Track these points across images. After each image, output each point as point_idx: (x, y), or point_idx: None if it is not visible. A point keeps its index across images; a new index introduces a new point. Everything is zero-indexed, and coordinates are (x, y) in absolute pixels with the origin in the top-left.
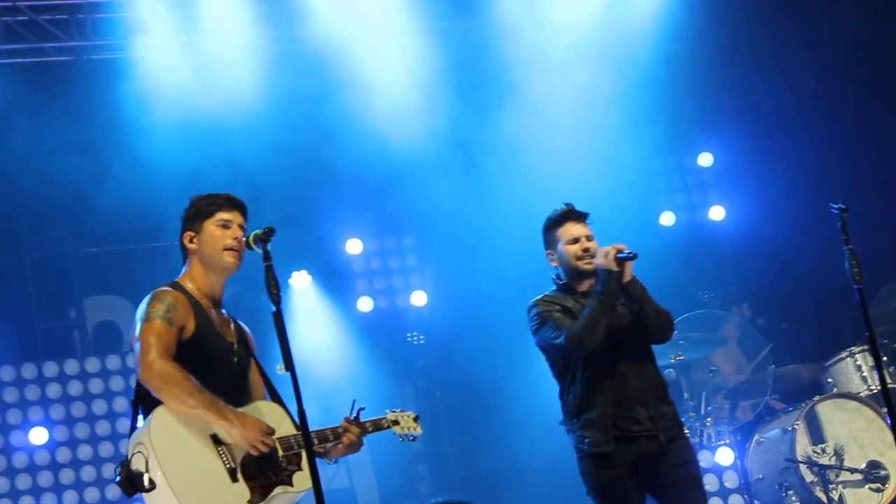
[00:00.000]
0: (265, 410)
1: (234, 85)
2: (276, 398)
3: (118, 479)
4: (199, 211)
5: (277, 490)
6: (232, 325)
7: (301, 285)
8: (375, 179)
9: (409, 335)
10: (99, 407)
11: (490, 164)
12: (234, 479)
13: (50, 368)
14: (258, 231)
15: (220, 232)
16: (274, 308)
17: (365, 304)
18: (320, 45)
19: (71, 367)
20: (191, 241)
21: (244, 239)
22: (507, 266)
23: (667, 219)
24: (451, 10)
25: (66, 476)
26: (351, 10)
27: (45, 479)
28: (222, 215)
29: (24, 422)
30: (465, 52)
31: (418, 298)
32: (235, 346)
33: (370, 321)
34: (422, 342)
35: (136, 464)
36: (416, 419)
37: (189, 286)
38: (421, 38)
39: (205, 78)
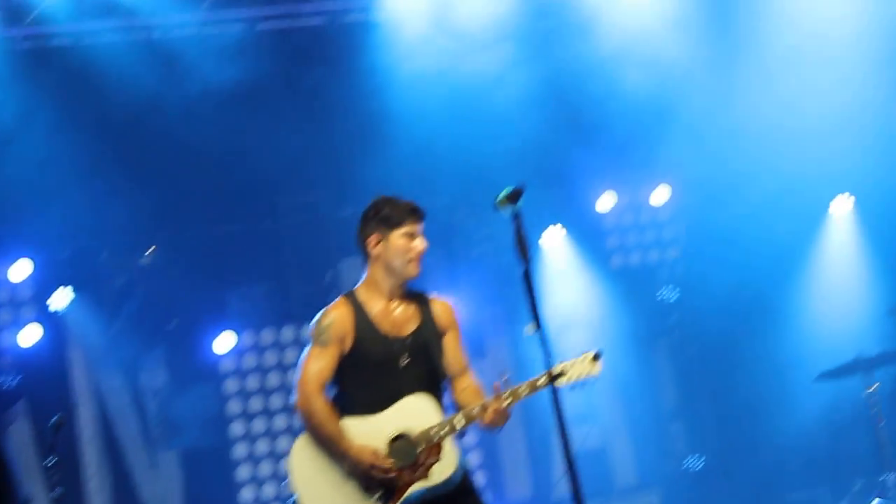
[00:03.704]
0: (410, 408)
1: (484, 41)
2: (434, 380)
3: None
4: (386, 219)
5: (416, 486)
6: (414, 312)
7: (553, 243)
8: (625, 131)
9: (661, 291)
10: None
11: (749, 116)
12: (368, 491)
13: (308, 331)
14: (508, 190)
15: (405, 243)
16: (524, 267)
17: (617, 261)
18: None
19: None
20: (376, 244)
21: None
22: (765, 220)
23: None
24: None
25: None
26: None
27: None
28: (408, 227)
29: (284, 385)
30: None
31: (671, 253)
32: (409, 340)
33: (622, 277)
34: (675, 297)
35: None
36: (594, 359)
37: (362, 295)
38: None
39: (455, 34)
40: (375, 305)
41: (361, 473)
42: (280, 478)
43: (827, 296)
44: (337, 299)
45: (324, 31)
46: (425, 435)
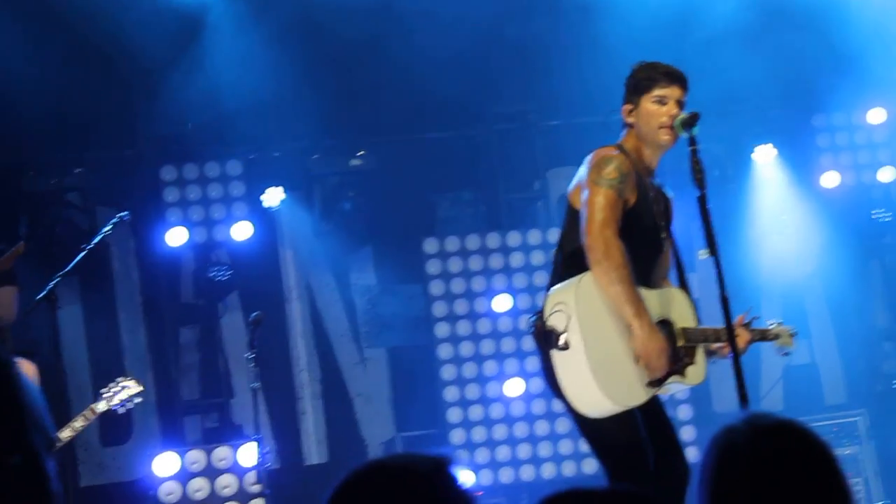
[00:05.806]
0: (677, 299)
1: None
2: (682, 279)
3: (532, 329)
4: (637, 84)
5: (672, 379)
6: (662, 193)
7: (766, 159)
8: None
9: (874, 212)
10: None
11: None
12: (638, 361)
13: (513, 238)
14: (684, 115)
15: (655, 108)
16: (698, 193)
17: (830, 180)
18: None
19: (534, 237)
20: (629, 114)
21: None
22: None
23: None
24: None
25: (529, 343)
26: None
27: (507, 345)
28: (659, 91)
29: (488, 289)
30: None
31: (886, 174)
32: (664, 222)
33: (834, 197)
34: (888, 219)
35: (555, 321)
36: (791, 335)
37: (631, 153)
38: None
39: None
40: (642, 171)
41: (639, 348)
42: (483, 379)
43: None
44: (610, 148)
45: None
46: (687, 333)
